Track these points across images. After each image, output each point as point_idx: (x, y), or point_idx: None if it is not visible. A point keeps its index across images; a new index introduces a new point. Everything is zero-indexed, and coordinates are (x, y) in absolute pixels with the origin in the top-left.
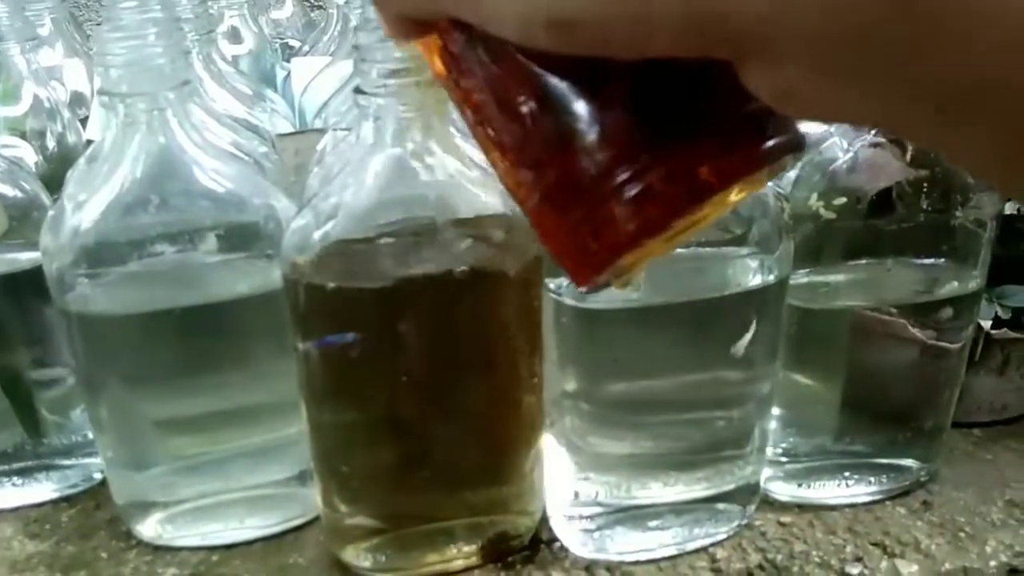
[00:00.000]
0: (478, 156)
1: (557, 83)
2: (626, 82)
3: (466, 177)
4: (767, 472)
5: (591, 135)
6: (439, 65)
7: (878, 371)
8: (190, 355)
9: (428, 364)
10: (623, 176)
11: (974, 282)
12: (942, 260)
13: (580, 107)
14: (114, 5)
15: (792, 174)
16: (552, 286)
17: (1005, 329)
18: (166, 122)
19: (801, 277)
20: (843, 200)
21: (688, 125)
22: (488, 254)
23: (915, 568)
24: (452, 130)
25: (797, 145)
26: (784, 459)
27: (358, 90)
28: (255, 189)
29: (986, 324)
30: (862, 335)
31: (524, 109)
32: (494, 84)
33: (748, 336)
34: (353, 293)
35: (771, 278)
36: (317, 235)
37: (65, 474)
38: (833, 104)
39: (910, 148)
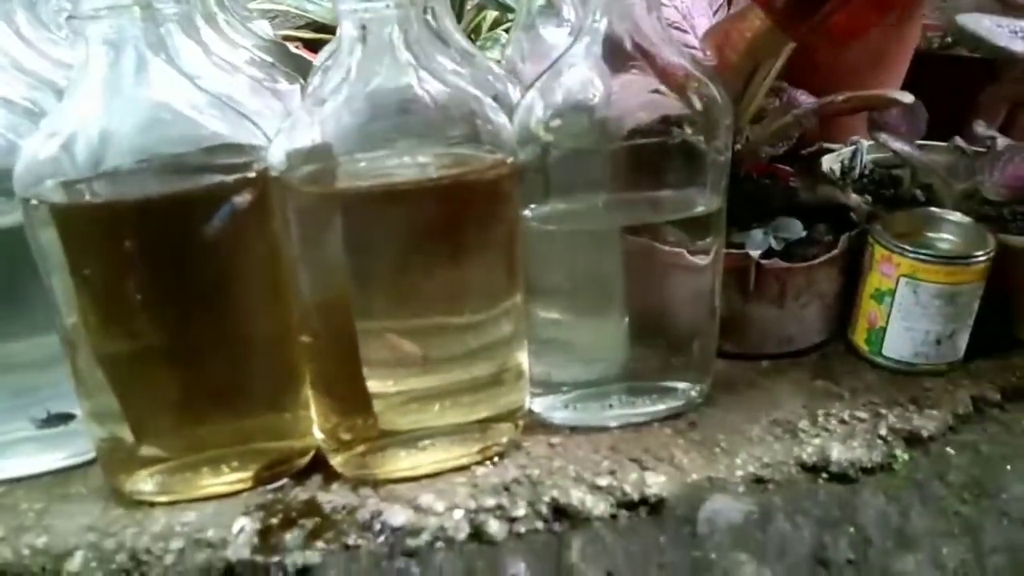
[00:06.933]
0: None
1: None
2: None
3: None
4: (548, 400)
5: None
6: None
7: (660, 300)
8: None
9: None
10: None
11: (715, 202)
12: (688, 186)
13: None
14: None
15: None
16: None
17: (776, 259)
18: None
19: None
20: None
21: None
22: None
23: (662, 479)
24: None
25: None
26: (564, 388)
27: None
28: None
29: (755, 254)
30: (643, 266)
31: None
32: None
33: None
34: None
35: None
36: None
37: None
38: None
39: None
